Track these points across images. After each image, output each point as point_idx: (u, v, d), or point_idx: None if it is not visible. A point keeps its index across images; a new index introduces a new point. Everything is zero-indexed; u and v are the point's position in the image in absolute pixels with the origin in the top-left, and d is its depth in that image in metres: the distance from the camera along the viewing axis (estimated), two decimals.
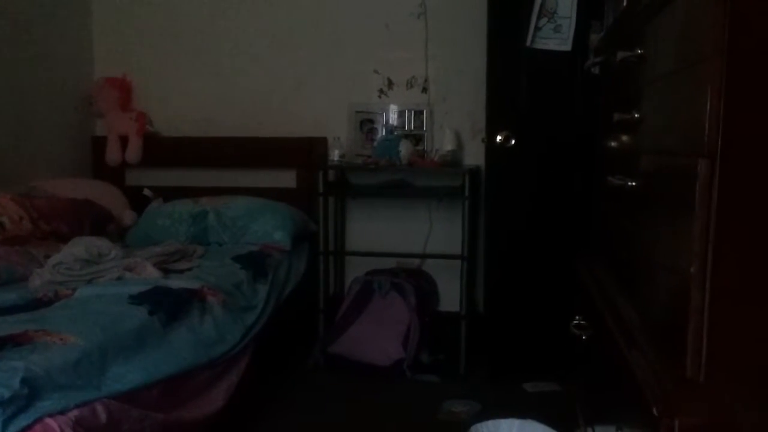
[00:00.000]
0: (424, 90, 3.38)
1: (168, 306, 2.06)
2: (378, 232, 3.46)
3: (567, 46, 2.72)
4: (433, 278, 3.41)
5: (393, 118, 3.40)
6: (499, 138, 2.81)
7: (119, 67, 3.55)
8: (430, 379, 2.90)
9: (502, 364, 2.90)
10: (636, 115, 1.37)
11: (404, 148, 3.15)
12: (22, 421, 1.37)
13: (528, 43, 2.73)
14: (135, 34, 3.59)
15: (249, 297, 2.53)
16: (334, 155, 3.26)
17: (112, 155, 3.49)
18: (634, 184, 1.34)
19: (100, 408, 1.55)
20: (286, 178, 3.45)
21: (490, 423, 2.10)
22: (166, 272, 2.43)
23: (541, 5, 2.71)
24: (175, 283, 2.28)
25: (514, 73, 2.82)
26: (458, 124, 3.32)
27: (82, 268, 2.28)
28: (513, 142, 2.80)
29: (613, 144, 1.67)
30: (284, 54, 3.48)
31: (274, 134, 3.43)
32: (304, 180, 3.40)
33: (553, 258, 2.78)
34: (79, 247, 2.35)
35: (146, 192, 3.46)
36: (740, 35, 0.88)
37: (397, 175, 3.28)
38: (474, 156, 3.27)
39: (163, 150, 3.50)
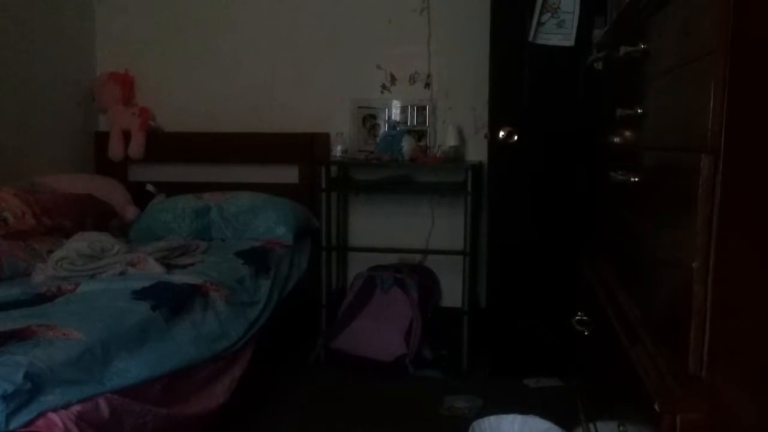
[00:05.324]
0: (427, 86, 3.38)
1: (171, 301, 2.06)
2: (380, 228, 3.46)
3: (570, 42, 2.71)
4: (436, 274, 3.41)
5: (395, 114, 3.39)
6: (501, 134, 2.80)
7: (121, 63, 3.55)
8: (432, 375, 2.90)
9: (504, 360, 2.90)
10: (639, 111, 1.37)
11: (407, 144, 3.14)
12: (25, 415, 1.37)
13: (530, 38, 2.72)
14: (137, 29, 3.59)
15: (251, 292, 2.53)
16: (337, 151, 3.26)
17: (115, 150, 3.49)
18: (636, 179, 1.34)
19: (102, 403, 1.55)
20: (289, 174, 3.44)
21: (492, 418, 2.11)
22: (169, 267, 2.43)
23: (544, 0, 2.70)
24: (178, 278, 2.28)
25: (517, 68, 2.82)
26: (461, 120, 3.31)
27: (84, 263, 2.29)
28: (516, 137, 2.80)
29: (615, 139, 1.67)
30: (287, 49, 3.47)
31: (276, 130, 3.43)
32: (306, 176, 3.40)
33: (555, 254, 2.78)
34: (82, 242, 2.36)
35: (149, 187, 3.45)
36: (744, 30, 0.88)
37: (400, 171, 3.28)
38: (477, 152, 3.27)
39: (166, 145, 3.49)
